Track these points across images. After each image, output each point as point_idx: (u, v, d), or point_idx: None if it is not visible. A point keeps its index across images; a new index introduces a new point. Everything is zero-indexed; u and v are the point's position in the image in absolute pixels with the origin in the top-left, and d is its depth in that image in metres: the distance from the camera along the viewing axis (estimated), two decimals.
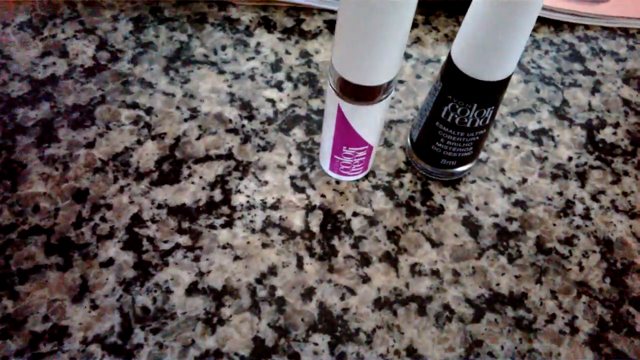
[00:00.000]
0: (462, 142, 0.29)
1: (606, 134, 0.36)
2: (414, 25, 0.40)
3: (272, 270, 0.29)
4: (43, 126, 0.33)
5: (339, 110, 0.27)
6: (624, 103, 0.37)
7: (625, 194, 0.33)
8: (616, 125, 0.36)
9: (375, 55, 0.24)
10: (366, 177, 0.33)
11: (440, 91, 0.28)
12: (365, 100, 0.26)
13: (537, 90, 0.37)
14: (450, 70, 0.27)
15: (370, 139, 0.29)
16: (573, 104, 0.37)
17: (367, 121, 0.28)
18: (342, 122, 0.28)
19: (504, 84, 0.26)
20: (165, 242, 0.30)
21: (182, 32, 0.38)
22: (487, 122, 0.29)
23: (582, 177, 0.34)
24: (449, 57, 0.27)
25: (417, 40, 0.39)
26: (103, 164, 0.32)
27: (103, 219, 0.30)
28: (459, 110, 0.28)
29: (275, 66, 0.37)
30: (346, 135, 0.29)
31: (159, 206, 0.31)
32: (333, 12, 0.40)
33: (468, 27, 0.25)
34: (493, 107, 0.28)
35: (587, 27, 0.41)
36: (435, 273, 0.30)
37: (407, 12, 0.22)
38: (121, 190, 0.31)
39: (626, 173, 0.34)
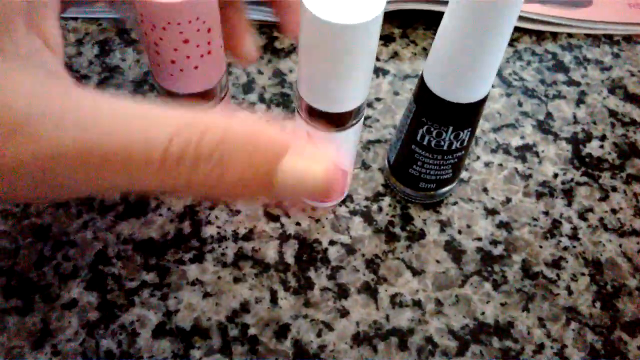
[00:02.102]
0: (440, 165, 0.28)
1: (593, 148, 0.34)
2: (391, 39, 0.38)
3: (245, 307, 0.28)
4: None
5: (309, 138, 0.26)
6: (610, 114, 0.36)
7: (614, 211, 0.32)
8: (603, 137, 0.35)
9: (342, 80, 0.23)
10: (343, 202, 0.31)
11: (414, 113, 0.27)
12: (335, 127, 0.25)
13: (520, 104, 0.36)
14: (423, 92, 0.25)
15: (344, 164, 0.28)
16: (557, 116, 0.36)
17: (339, 147, 0.26)
18: None
19: (480, 104, 0.25)
20: (131, 280, 0.28)
21: None
22: (465, 143, 0.27)
23: (568, 195, 0.32)
24: (422, 79, 0.26)
25: (395, 55, 0.38)
26: None
27: (66, 257, 0.29)
28: (435, 133, 0.26)
29: (248, 87, 0.35)
30: None
31: (125, 241, 0.29)
32: None
33: (438, 48, 0.23)
34: (470, 129, 0.26)
35: (570, 35, 0.40)
36: (417, 303, 0.28)
37: (373, 33, 0.21)
38: (85, 225, 0.30)
39: (614, 189, 0.33)
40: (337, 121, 0.25)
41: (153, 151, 0.16)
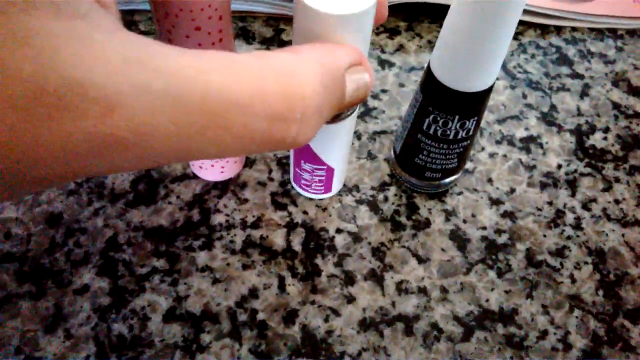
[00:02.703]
0: (446, 154, 0.28)
1: (596, 139, 0.35)
2: (397, 32, 0.39)
3: (253, 293, 0.28)
4: None
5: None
6: (614, 106, 0.36)
7: (617, 201, 0.32)
8: (606, 129, 0.35)
9: None
10: (350, 191, 0.32)
11: (421, 103, 0.27)
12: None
13: (524, 96, 0.36)
14: (429, 81, 0.26)
15: (330, 160, 0.27)
16: (561, 109, 0.36)
17: (324, 141, 0.26)
18: None
19: (486, 94, 0.25)
20: (142, 266, 0.29)
21: None
22: (471, 133, 0.28)
23: (572, 185, 0.33)
24: (428, 68, 0.26)
25: (400, 48, 0.38)
26: (77, 186, 0.31)
27: (77, 244, 0.29)
28: (441, 122, 0.27)
29: None
30: (303, 149, 0.27)
31: (135, 228, 0.30)
32: None
33: (445, 37, 0.24)
34: (476, 118, 0.27)
35: (574, 29, 0.40)
36: (423, 290, 0.29)
37: (365, 24, 0.21)
38: (96, 212, 0.30)
39: (617, 180, 0.33)
40: None
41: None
